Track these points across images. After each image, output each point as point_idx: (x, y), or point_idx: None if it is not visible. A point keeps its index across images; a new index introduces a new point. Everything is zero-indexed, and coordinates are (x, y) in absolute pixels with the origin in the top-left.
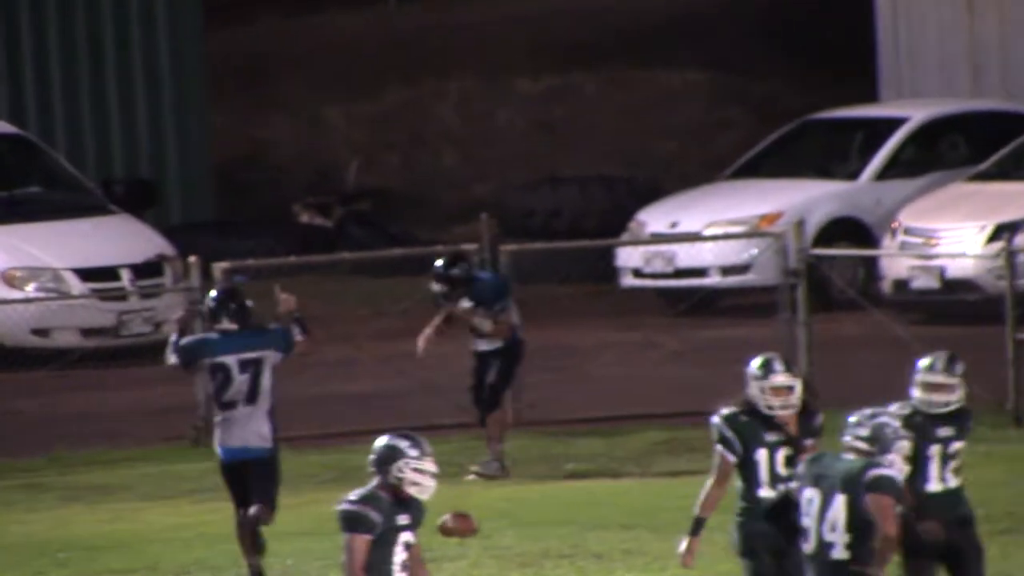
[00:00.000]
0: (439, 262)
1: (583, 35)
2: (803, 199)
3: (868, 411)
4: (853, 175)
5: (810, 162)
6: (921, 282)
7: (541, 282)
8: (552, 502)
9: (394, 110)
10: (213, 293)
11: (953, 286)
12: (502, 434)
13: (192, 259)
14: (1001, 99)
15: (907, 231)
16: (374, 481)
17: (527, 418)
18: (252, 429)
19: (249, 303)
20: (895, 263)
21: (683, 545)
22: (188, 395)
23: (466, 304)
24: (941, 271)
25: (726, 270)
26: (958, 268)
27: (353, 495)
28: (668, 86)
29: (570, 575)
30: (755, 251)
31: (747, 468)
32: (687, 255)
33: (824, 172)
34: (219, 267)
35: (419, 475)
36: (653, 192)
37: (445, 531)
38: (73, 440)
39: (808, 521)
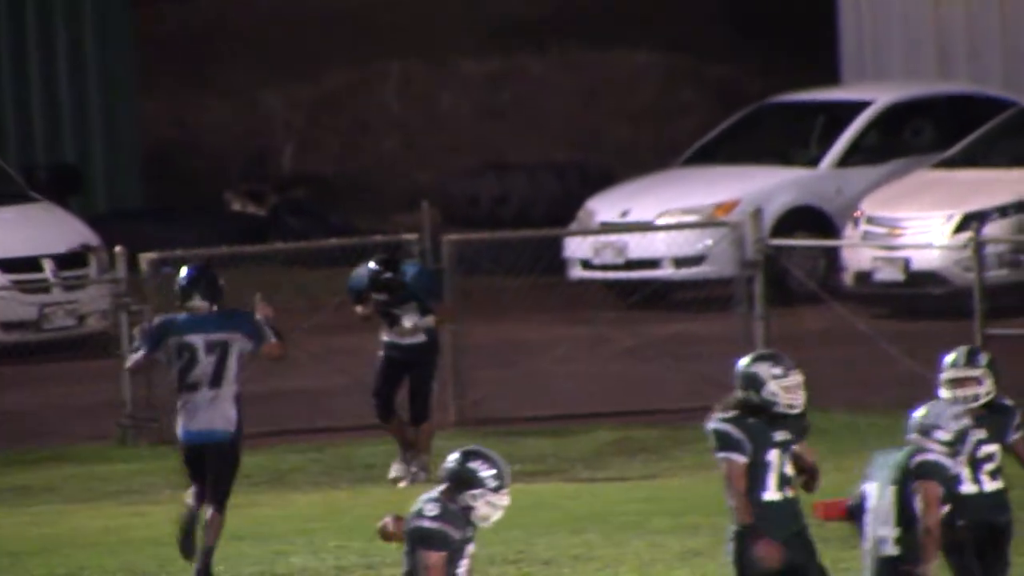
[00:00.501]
0: (372, 265)
1: (532, 13)
2: (760, 187)
3: (947, 411)
4: (813, 162)
5: (768, 148)
6: (885, 274)
7: (486, 274)
8: None
9: (334, 93)
10: (185, 270)
11: (918, 279)
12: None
13: (118, 249)
14: (968, 82)
15: (870, 220)
16: (442, 488)
17: (471, 416)
18: (218, 412)
19: (222, 282)
20: (857, 254)
21: (761, 548)
22: (114, 392)
23: (408, 323)
24: (906, 263)
25: (680, 261)
26: (924, 260)
27: (430, 510)
28: (622, 68)
29: None
30: (710, 242)
31: (755, 471)
32: (639, 246)
33: (783, 158)
34: (146, 258)
35: (491, 509)
36: (605, 179)
37: (385, 535)
38: None
39: (867, 517)
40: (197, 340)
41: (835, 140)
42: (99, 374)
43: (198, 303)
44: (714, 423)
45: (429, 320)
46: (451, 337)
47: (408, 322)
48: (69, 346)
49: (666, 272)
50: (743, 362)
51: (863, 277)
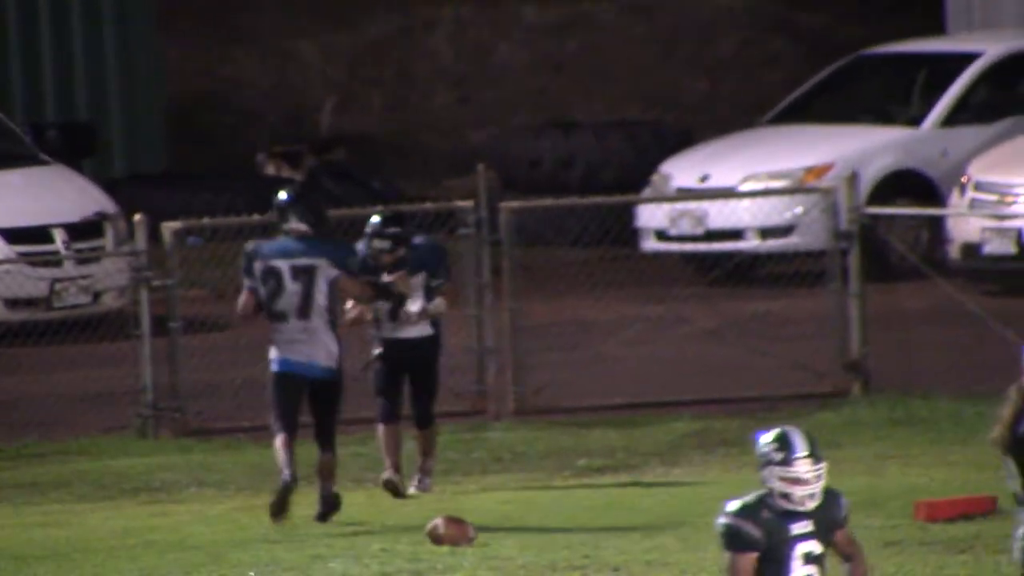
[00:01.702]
0: (376, 218)
1: None
2: (856, 149)
3: None
4: (915, 121)
5: (865, 105)
6: (995, 246)
7: (548, 245)
8: (561, 505)
9: (377, 42)
10: (283, 194)
11: None
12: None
13: (138, 218)
14: None
15: (978, 187)
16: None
17: (532, 406)
18: (320, 344)
19: (325, 210)
20: (964, 224)
21: None
22: (134, 378)
23: (415, 307)
24: (1019, 234)
25: (766, 232)
26: None
27: (732, 505)
28: (701, 14)
29: None
30: (800, 210)
31: None
32: (720, 214)
33: (881, 117)
34: (169, 227)
35: (787, 484)
36: (682, 140)
37: (436, 538)
38: None
39: None
40: (283, 265)
41: (940, 97)
42: (116, 358)
43: (295, 225)
44: None
45: (440, 304)
46: (509, 317)
47: (414, 306)
48: (83, 326)
49: (750, 244)
50: None
51: (971, 250)
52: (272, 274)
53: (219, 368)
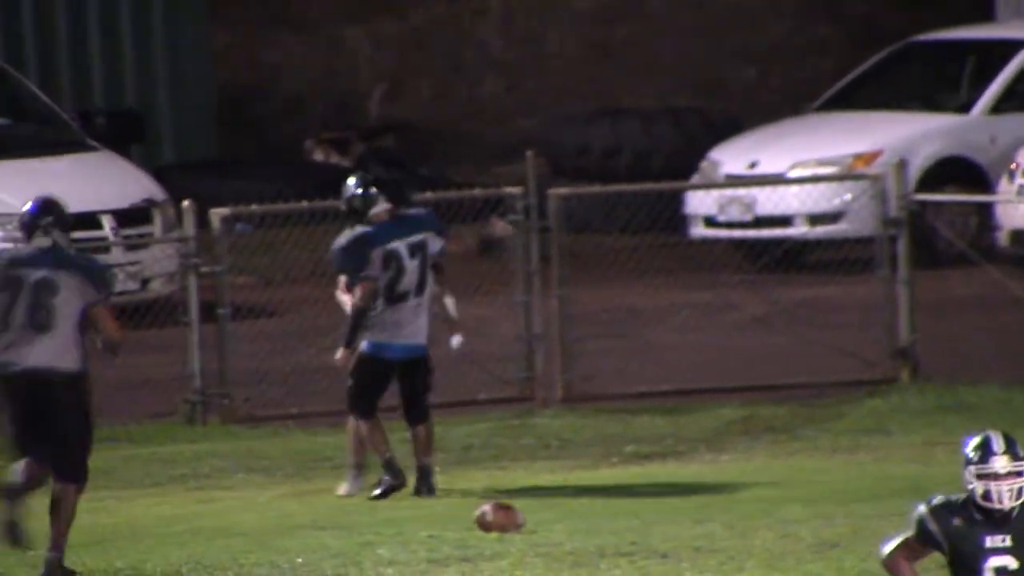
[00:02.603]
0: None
1: None
2: (905, 135)
3: None
4: (964, 107)
5: (914, 92)
6: None
7: (597, 232)
8: (609, 491)
9: (426, 30)
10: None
11: None
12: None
13: (186, 204)
14: None
15: None
16: None
17: (580, 393)
18: (421, 324)
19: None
20: (1013, 211)
21: None
22: (181, 364)
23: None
24: None
25: (814, 219)
26: None
27: (935, 500)
28: (748, 2)
29: None
30: (848, 196)
31: None
32: (768, 201)
33: (930, 104)
34: (218, 213)
35: (984, 481)
36: (730, 127)
37: (484, 525)
38: None
39: None
40: (400, 246)
41: (989, 83)
42: (164, 344)
43: (384, 206)
44: None
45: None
46: (558, 304)
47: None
48: (131, 313)
49: (799, 230)
50: None
51: (1020, 236)
52: (393, 257)
53: (267, 355)
